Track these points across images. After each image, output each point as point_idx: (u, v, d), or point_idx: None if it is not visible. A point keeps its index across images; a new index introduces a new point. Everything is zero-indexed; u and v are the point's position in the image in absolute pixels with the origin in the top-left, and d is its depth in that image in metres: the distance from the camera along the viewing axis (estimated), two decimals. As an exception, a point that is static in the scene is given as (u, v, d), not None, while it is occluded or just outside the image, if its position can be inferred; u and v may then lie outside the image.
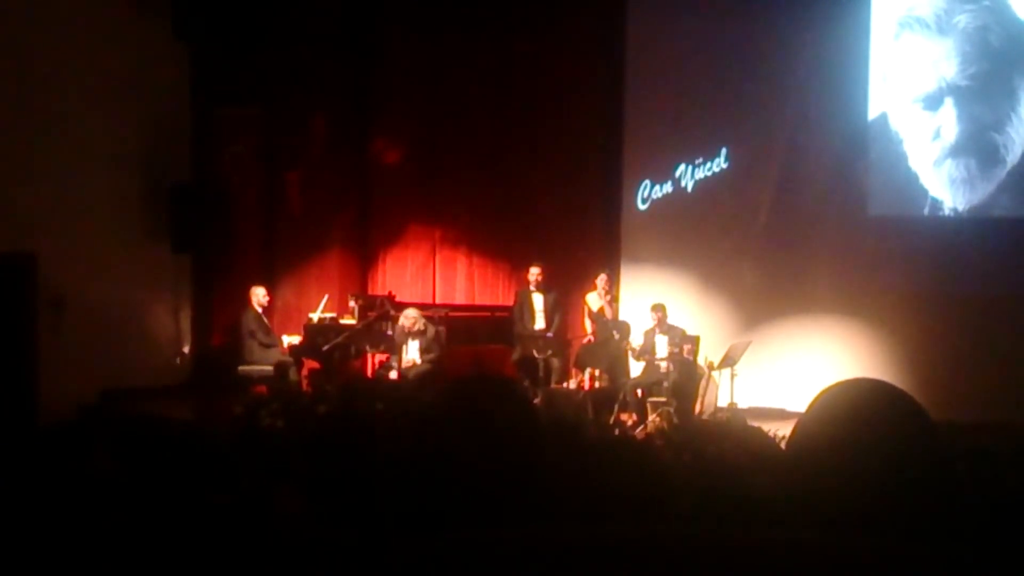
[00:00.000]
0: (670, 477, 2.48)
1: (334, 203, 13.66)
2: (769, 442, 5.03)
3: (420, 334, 11.61)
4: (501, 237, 13.13)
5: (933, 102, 11.36)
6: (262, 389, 11.43)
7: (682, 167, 12.20)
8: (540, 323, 11.94)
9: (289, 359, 11.81)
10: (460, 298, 13.18)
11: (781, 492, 2.18)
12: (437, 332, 11.81)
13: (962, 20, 11.25)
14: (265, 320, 12.05)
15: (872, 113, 11.58)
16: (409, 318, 11.60)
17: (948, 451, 1.96)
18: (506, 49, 13.06)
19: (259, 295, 12.08)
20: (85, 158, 11.76)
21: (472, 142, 13.19)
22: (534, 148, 12.90)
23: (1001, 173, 11.20)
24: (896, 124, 11.54)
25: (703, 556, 1.48)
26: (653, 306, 11.17)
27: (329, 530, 2.55)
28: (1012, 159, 11.13)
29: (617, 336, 11.39)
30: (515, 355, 11.80)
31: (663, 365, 10.95)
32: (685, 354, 10.93)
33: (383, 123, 13.75)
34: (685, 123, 12.18)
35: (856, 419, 1.85)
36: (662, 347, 11.04)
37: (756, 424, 7.32)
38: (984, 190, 11.27)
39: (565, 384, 11.49)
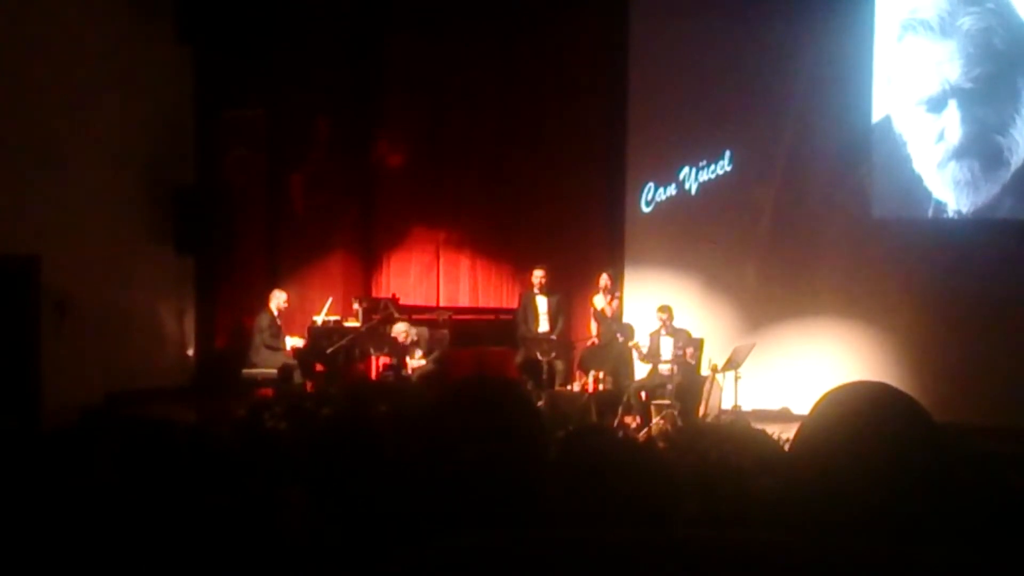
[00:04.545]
0: (674, 480, 2.48)
1: (338, 205, 13.68)
2: (772, 444, 5.02)
3: (415, 344, 11.70)
4: (505, 239, 13.14)
5: (937, 104, 11.35)
6: (266, 391, 11.44)
7: (686, 170, 12.20)
8: (544, 325, 11.95)
9: (293, 362, 11.82)
10: (464, 300, 13.20)
11: (784, 495, 2.18)
12: (432, 333, 11.85)
13: (966, 22, 11.24)
14: (279, 323, 12.07)
15: (876, 115, 11.57)
16: (400, 332, 11.66)
17: (952, 454, 1.96)
18: (509, 52, 13.08)
19: (279, 300, 12.11)
20: (89, 160, 11.79)
21: (476, 144, 13.20)
22: (537, 150, 12.92)
23: (1005, 175, 11.18)
24: (900, 126, 11.53)
25: (706, 559, 1.48)
26: (660, 308, 11.16)
27: (333, 532, 2.56)
28: (1016, 161, 11.12)
29: (621, 338, 11.39)
30: (519, 357, 11.81)
31: (667, 367, 10.94)
32: (689, 357, 10.93)
33: (386, 125, 13.77)
34: (689, 126, 12.18)
35: (859, 422, 1.85)
36: (667, 349, 11.03)
37: (760, 427, 7.32)
38: (988, 192, 11.26)
39: (569, 386, 11.49)
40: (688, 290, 12.00)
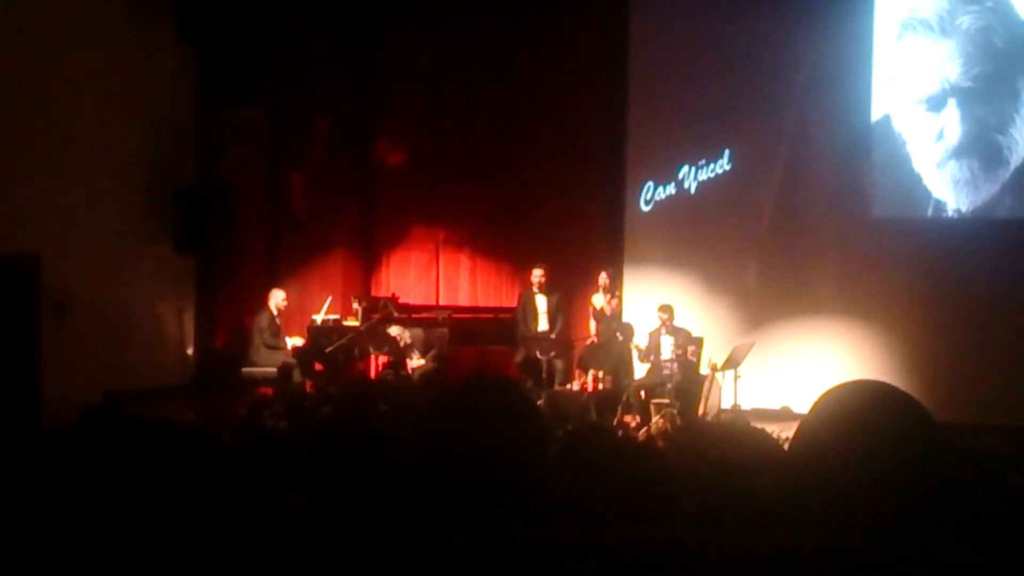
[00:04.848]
0: (673, 479, 2.48)
1: (338, 205, 13.69)
2: (772, 444, 5.02)
3: (409, 347, 11.74)
4: (504, 239, 13.14)
5: (936, 103, 11.35)
6: (266, 390, 11.45)
7: (685, 168, 12.20)
8: (543, 325, 11.95)
9: (293, 361, 11.83)
10: (463, 300, 13.20)
11: (784, 493, 2.18)
12: (428, 332, 11.89)
13: (965, 21, 11.24)
14: (278, 323, 12.09)
15: (875, 115, 11.57)
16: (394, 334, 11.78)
17: (951, 453, 1.96)
18: (509, 51, 13.09)
19: (278, 299, 12.15)
20: (89, 160, 11.79)
21: (475, 144, 13.21)
22: (537, 150, 12.91)
23: (1004, 174, 11.18)
24: (899, 125, 11.53)
25: (706, 558, 1.48)
26: (660, 307, 11.16)
27: (333, 532, 2.56)
28: (1015, 160, 11.11)
29: (621, 337, 11.39)
30: (518, 357, 11.81)
31: (667, 367, 10.94)
32: (688, 355, 10.93)
33: (386, 125, 13.77)
34: (688, 125, 12.18)
35: (859, 421, 1.85)
36: (667, 348, 11.02)
37: (759, 425, 7.32)
38: (987, 191, 11.25)
39: (568, 386, 11.50)
40: (687, 289, 12.00)
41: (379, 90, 13.70)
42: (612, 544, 1.52)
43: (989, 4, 11.18)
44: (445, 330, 12.05)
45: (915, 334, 11.27)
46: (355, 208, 13.79)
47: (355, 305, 12.43)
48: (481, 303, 13.15)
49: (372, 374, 12.71)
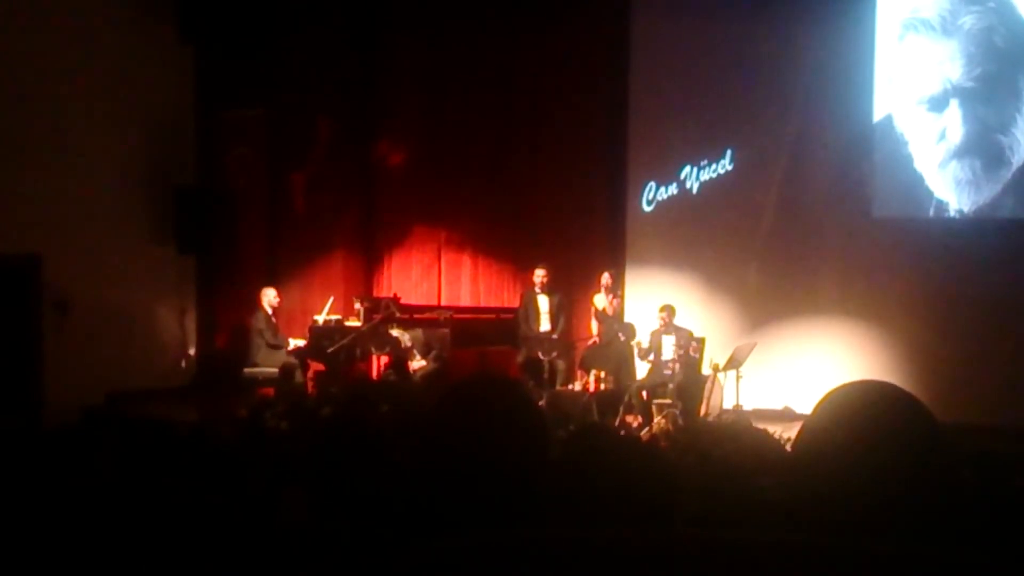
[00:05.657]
0: (675, 479, 2.48)
1: (339, 205, 13.68)
2: (774, 444, 5.02)
3: (409, 349, 11.74)
4: (506, 239, 13.13)
5: (938, 104, 11.34)
6: (267, 391, 11.44)
7: (687, 169, 12.19)
8: (545, 325, 11.95)
9: (294, 361, 11.82)
10: (465, 300, 13.19)
11: (786, 494, 2.18)
12: (428, 333, 11.90)
13: (967, 21, 11.24)
14: (274, 321, 12.10)
15: (877, 115, 11.57)
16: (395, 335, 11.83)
17: (954, 454, 1.96)
18: (511, 51, 13.08)
19: (269, 296, 12.16)
20: (90, 160, 11.80)
21: (477, 144, 13.19)
22: (539, 150, 12.91)
23: (1006, 175, 11.18)
24: (901, 126, 11.52)
25: (707, 559, 1.47)
26: (661, 307, 11.16)
27: (334, 531, 2.56)
28: (1017, 160, 11.11)
29: (623, 338, 11.39)
30: (520, 357, 11.81)
31: (669, 367, 10.94)
32: (690, 352, 10.94)
33: (388, 125, 13.76)
34: (690, 125, 12.18)
35: (862, 421, 1.84)
36: (668, 348, 11.02)
37: (761, 426, 7.32)
38: (989, 192, 11.25)
39: (570, 386, 11.49)
40: (689, 289, 11.99)
41: (379, 90, 13.69)
42: (612, 544, 1.52)
43: (991, 4, 11.17)
44: (447, 330, 12.04)
45: (917, 334, 11.26)
46: (356, 208, 13.78)
47: (357, 305, 12.42)
48: (483, 303, 13.15)
49: (373, 375, 12.70)
